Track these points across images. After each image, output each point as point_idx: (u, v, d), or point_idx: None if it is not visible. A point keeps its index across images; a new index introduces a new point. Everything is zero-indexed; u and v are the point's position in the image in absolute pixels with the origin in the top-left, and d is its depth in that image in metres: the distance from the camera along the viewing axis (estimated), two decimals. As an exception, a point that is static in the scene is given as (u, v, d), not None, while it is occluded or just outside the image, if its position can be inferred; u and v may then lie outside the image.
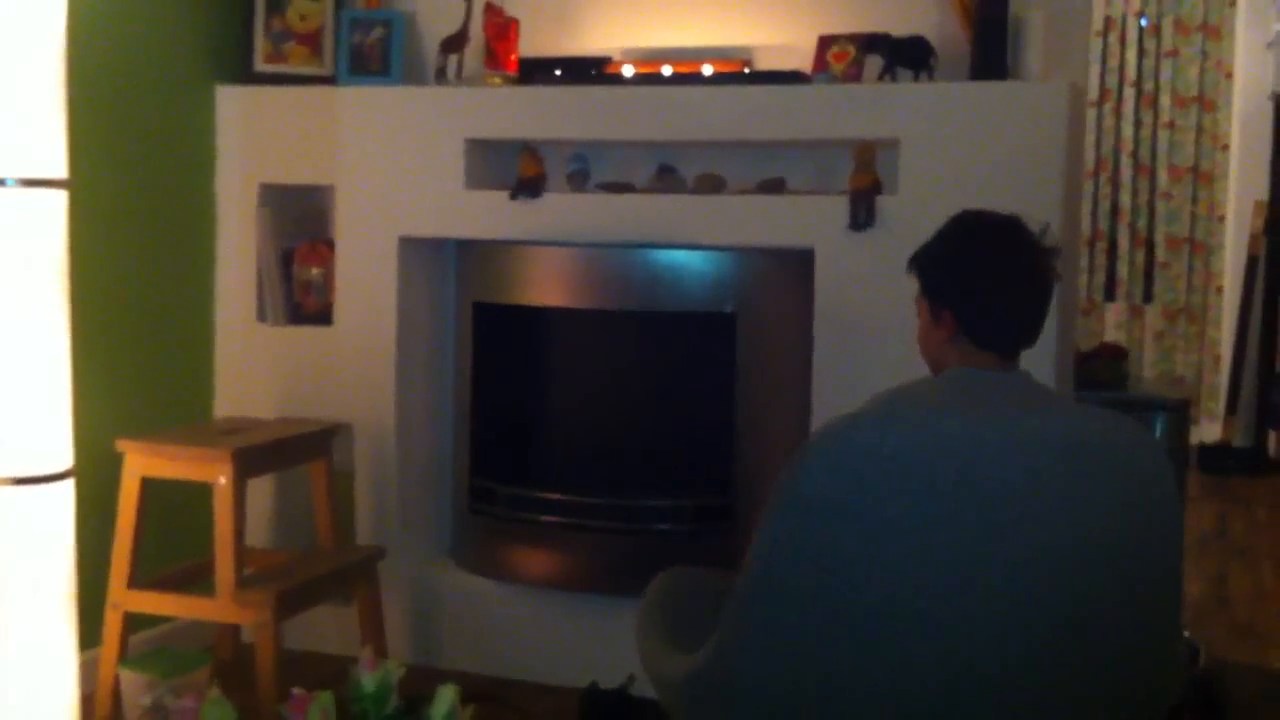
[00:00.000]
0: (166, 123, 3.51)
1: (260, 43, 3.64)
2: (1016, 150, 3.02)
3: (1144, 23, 7.08)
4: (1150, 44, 7.08)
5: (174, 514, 3.34)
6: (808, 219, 3.17)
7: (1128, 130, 7.12)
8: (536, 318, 3.46)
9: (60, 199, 2.78)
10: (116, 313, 3.34)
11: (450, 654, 3.50)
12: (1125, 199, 7.13)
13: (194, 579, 3.28)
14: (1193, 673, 3.04)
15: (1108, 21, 7.05)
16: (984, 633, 1.79)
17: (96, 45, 3.18)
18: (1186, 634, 3.10)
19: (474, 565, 3.53)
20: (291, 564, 3.32)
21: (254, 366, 3.65)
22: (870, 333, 3.09)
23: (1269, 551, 5.03)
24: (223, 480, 3.04)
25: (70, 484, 2.85)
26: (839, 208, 3.13)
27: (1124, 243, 7.14)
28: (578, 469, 3.45)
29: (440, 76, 3.54)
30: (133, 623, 3.17)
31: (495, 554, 3.49)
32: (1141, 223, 7.15)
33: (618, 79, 3.41)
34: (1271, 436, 6.66)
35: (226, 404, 3.68)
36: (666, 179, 3.37)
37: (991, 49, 3.13)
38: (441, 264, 3.65)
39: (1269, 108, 6.71)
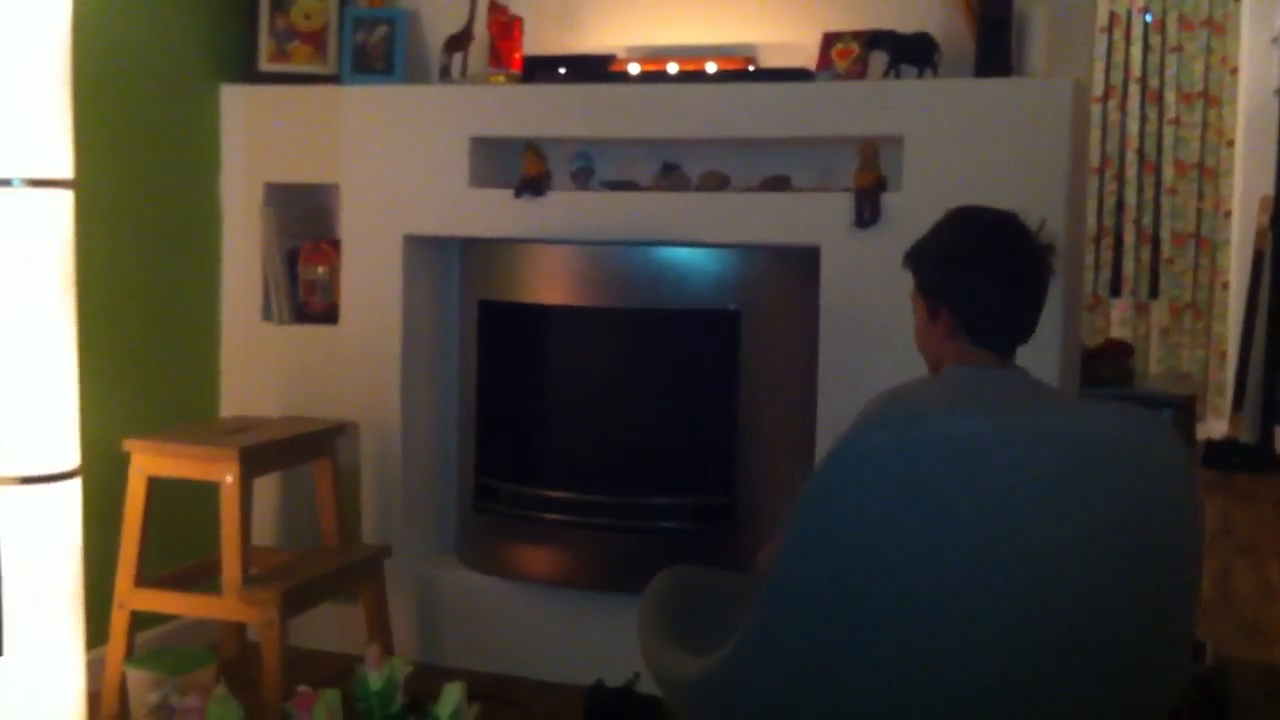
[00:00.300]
0: (171, 122, 3.52)
1: (264, 42, 3.64)
2: (1021, 147, 3.02)
3: (1148, 19, 7.07)
4: (1155, 40, 7.08)
5: (180, 513, 3.34)
6: (812, 216, 3.17)
7: (1133, 126, 7.11)
8: (541, 316, 3.46)
9: (66, 199, 2.79)
10: (122, 312, 3.35)
11: (455, 652, 3.50)
12: (1130, 195, 7.12)
13: (200, 577, 3.29)
14: (1198, 670, 3.04)
15: (1112, 17, 7.04)
16: (994, 631, 1.79)
17: (101, 45, 3.19)
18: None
19: (479, 563, 3.53)
20: (297, 562, 3.32)
21: (259, 365, 3.66)
22: (875, 330, 3.09)
23: (1274, 548, 5.02)
24: (229, 479, 3.05)
25: (77, 483, 2.86)
26: (843, 205, 3.13)
27: (1129, 239, 7.13)
28: (582, 467, 3.46)
29: (444, 75, 3.55)
30: (139, 621, 3.17)
31: (500, 552, 3.49)
32: (1147, 219, 7.14)
33: (621, 77, 3.41)
34: (1277, 432, 6.65)
35: (232, 403, 3.68)
36: (671, 177, 3.37)
37: (996, 45, 3.13)
38: (446, 262, 3.66)
39: (1274, 103, 6.70)
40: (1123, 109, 7.11)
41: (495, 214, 3.41)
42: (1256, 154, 6.84)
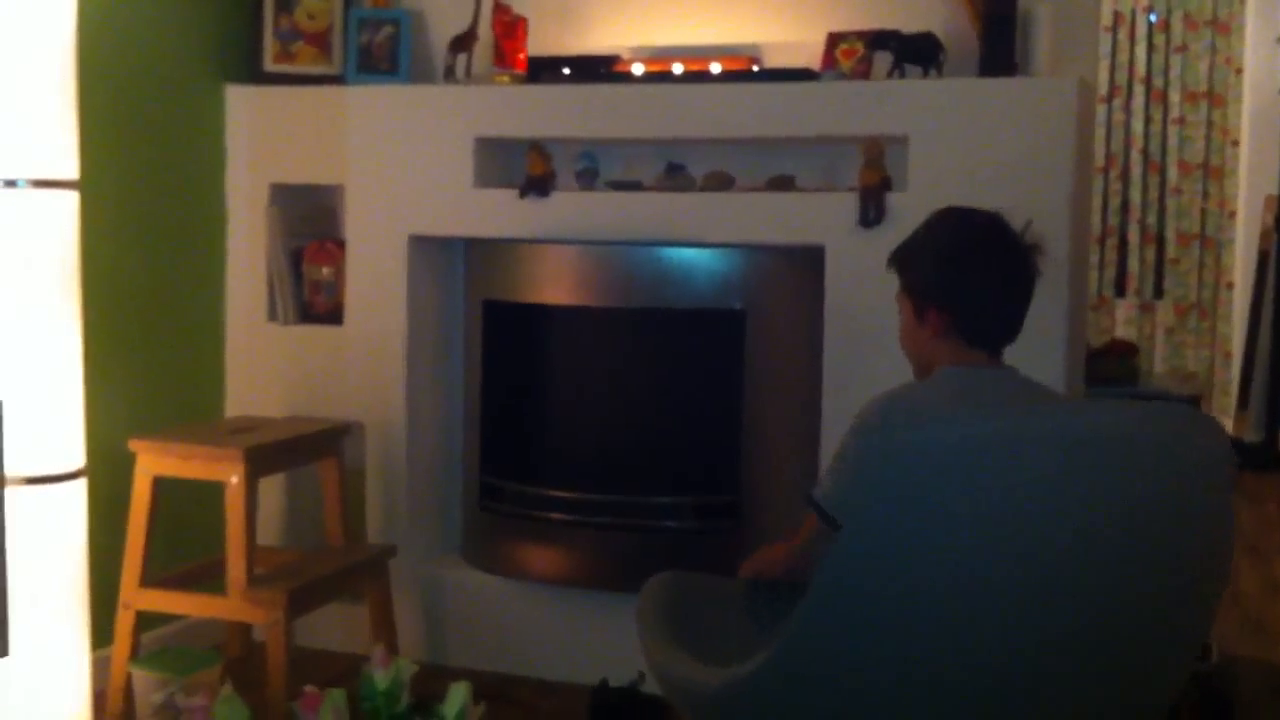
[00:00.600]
0: (176, 123, 3.52)
1: (269, 42, 3.65)
2: (1026, 146, 3.02)
3: (1153, 18, 7.07)
4: (1159, 39, 7.07)
5: (185, 513, 3.35)
6: (817, 216, 3.17)
7: (1137, 126, 7.10)
8: (545, 316, 3.47)
9: (71, 200, 2.79)
10: (127, 313, 3.35)
11: (460, 651, 3.50)
12: (1135, 195, 7.12)
13: (205, 577, 3.29)
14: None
15: (1116, 17, 7.04)
16: (1030, 628, 1.80)
17: (105, 46, 3.19)
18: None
19: (484, 563, 3.54)
20: (302, 562, 3.32)
21: (264, 366, 3.66)
22: (880, 329, 3.07)
23: (1279, 547, 5.02)
24: (234, 479, 3.05)
25: (82, 483, 2.86)
26: (848, 204, 3.13)
27: (1134, 239, 7.12)
28: (586, 466, 3.46)
29: (449, 75, 3.55)
30: (144, 621, 3.18)
31: (505, 551, 3.49)
32: (1151, 219, 7.13)
33: (626, 77, 3.42)
34: (1283, 432, 6.65)
35: (237, 403, 3.69)
36: (675, 177, 3.37)
37: (1000, 45, 3.13)
38: (451, 263, 3.66)
39: (1279, 103, 6.69)
40: (1127, 109, 7.11)
41: (500, 214, 3.41)
42: (1261, 154, 6.83)
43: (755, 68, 3.38)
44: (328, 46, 3.67)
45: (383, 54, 3.62)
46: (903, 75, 3.20)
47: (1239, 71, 6.97)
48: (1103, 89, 6.91)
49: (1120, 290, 7.17)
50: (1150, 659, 1.95)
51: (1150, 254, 7.14)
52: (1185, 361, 7.08)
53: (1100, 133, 6.86)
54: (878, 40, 3.22)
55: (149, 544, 3.14)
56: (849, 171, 3.20)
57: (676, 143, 3.38)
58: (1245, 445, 6.56)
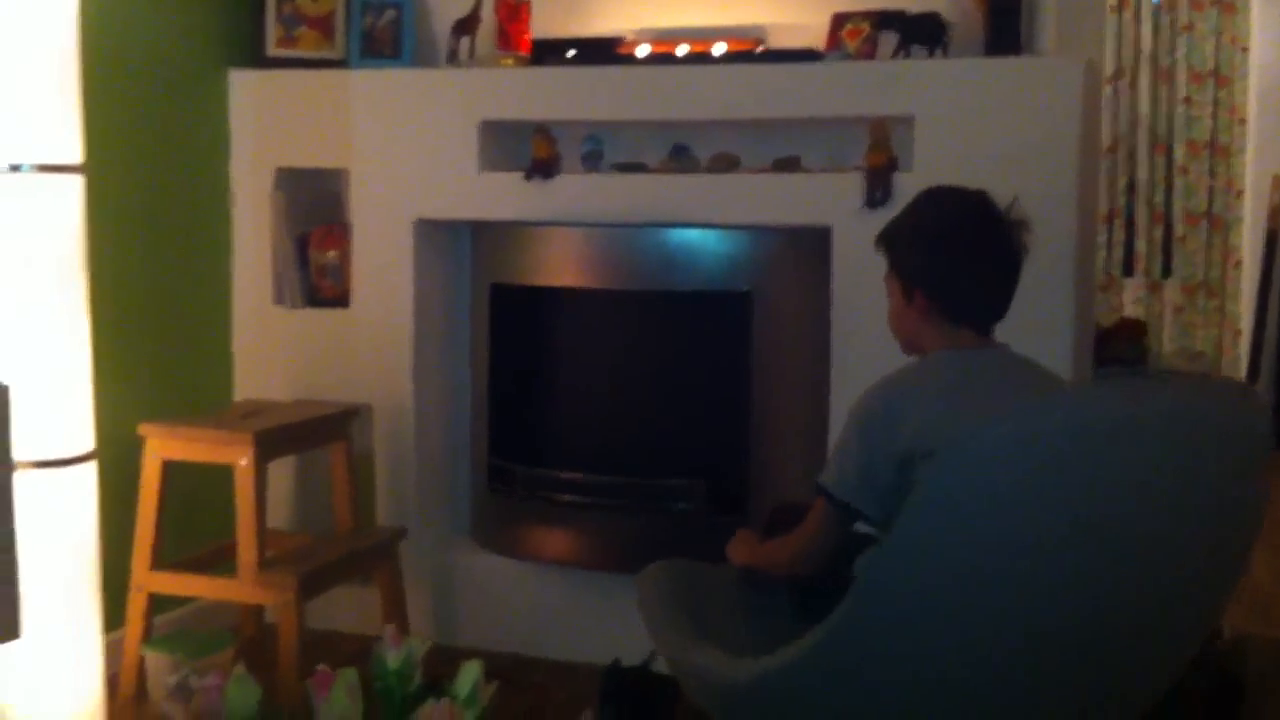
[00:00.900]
0: (180, 108, 3.52)
1: (272, 27, 3.64)
2: (1032, 126, 3.01)
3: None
4: (1165, 19, 7.04)
5: (195, 497, 3.36)
6: (823, 197, 3.17)
7: (1144, 106, 7.08)
8: (552, 298, 3.47)
9: (76, 184, 2.80)
10: (134, 298, 3.36)
11: (470, 633, 3.52)
12: (1142, 175, 7.10)
13: (216, 561, 3.31)
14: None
15: (1122, -4, 7.01)
16: (1062, 617, 1.79)
17: (110, 31, 3.19)
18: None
19: (493, 545, 3.55)
20: (313, 545, 3.34)
21: (272, 350, 3.67)
22: (886, 310, 3.07)
23: (1289, 526, 5.01)
24: (243, 462, 3.06)
25: (92, 467, 2.87)
26: (854, 185, 3.13)
27: (1142, 218, 7.11)
28: (595, 449, 3.46)
29: (452, 59, 3.55)
30: (156, 604, 3.19)
31: (514, 533, 3.50)
32: (1159, 198, 7.11)
33: (630, 59, 3.41)
34: (1291, 411, 6.64)
35: (245, 387, 3.70)
36: (681, 159, 3.37)
37: (1006, 25, 3.12)
38: (457, 246, 3.66)
39: (1286, 81, 6.67)
40: (1133, 89, 7.08)
41: (505, 197, 3.41)
42: (1268, 132, 6.81)
43: (760, 49, 3.38)
44: (331, 31, 3.66)
45: (386, 38, 3.62)
46: (908, 55, 3.19)
47: (1245, 50, 6.95)
48: (1108, 69, 6.89)
49: (1128, 270, 7.15)
50: (1180, 639, 1.96)
51: (1158, 234, 7.12)
52: (1193, 341, 7.07)
53: (1107, 113, 6.84)
54: (883, 20, 3.21)
55: (160, 528, 3.15)
56: (855, 152, 3.19)
57: (682, 124, 3.37)
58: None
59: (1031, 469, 1.71)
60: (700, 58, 3.34)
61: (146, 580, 3.14)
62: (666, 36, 3.48)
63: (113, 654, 3.05)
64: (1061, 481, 1.71)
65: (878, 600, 1.81)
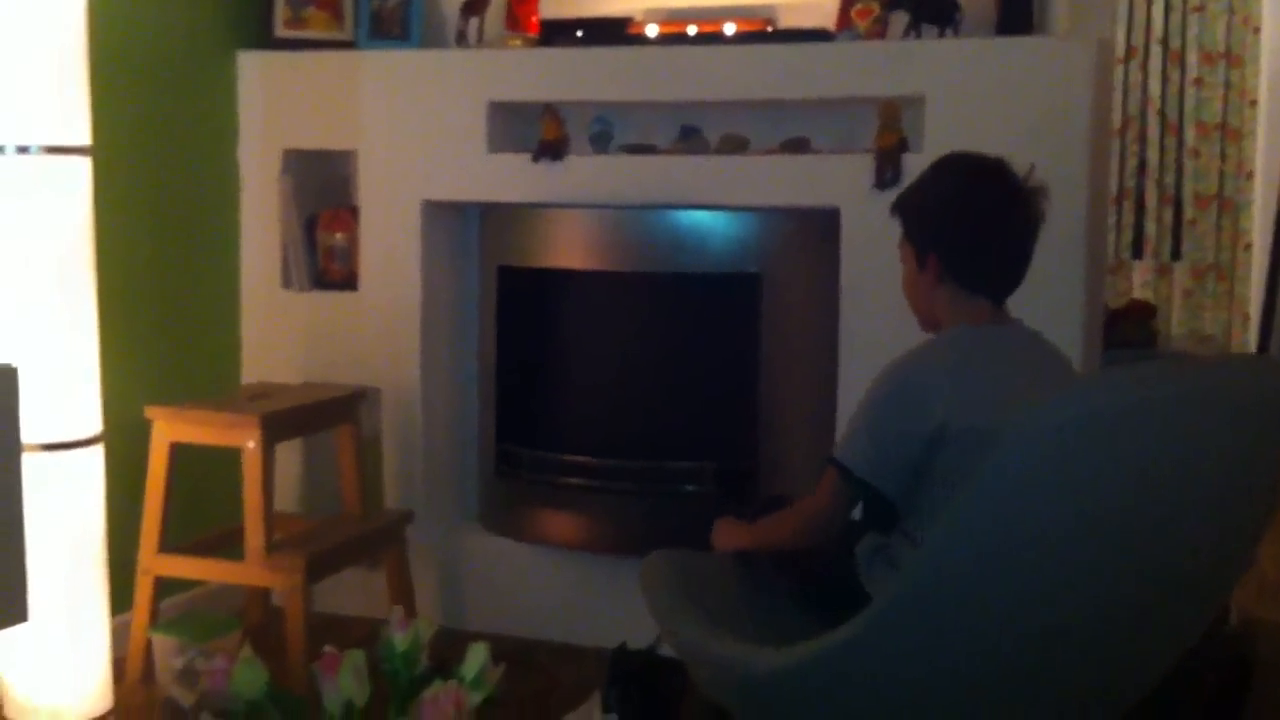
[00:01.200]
0: (188, 90, 3.51)
1: (280, 8, 3.62)
2: (1043, 107, 2.99)
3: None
4: (1176, 0, 7.00)
5: (203, 480, 3.36)
6: (833, 178, 3.15)
7: (1154, 87, 7.04)
8: (560, 281, 3.46)
9: (83, 166, 2.79)
10: (142, 280, 3.35)
11: (477, 616, 3.51)
12: (1153, 156, 7.06)
13: (223, 544, 3.30)
14: (1222, 631, 3.03)
15: (1134, -23, 6.97)
16: (1116, 595, 1.79)
17: (117, 13, 3.18)
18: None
19: (500, 528, 3.54)
20: (320, 529, 3.34)
21: (280, 333, 3.66)
22: (896, 291, 3.03)
23: (1298, 510, 5.00)
24: (251, 445, 3.05)
25: (99, 449, 2.87)
26: (864, 166, 3.11)
27: (1151, 200, 7.07)
28: (602, 431, 3.45)
29: (461, 40, 3.53)
30: (163, 587, 3.19)
31: (521, 517, 3.50)
32: (1169, 180, 7.08)
33: (640, 40, 3.39)
34: (1300, 394, 6.60)
35: (252, 370, 3.69)
36: (690, 140, 3.35)
37: (1017, 4, 3.10)
38: (465, 228, 3.65)
39: (1298, 63, 6.63)
40: (1144, 69, 7.04)
41: (513, 179, 3.40)
42: (1279, 114, 6.77)
43: (770, 29, 3.35)
44: (339, 12, 3.64)
45: (394, 19, 3.60)
46: (919, 35, 3.17)
47: (1257, 31, 6.90)
48: (1120, 50, 6.85)
49: (1137, 252, 7.12)
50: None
51: (1168, 216, 7.09)
52: (1202, 324, 7.04)
53: (1117, 94, 6.80)
54: (894, 0, 3.19)
55: (167, 511, 3.15)
56: (865, 133, 3.17)
57: (691, 105, 3.35)
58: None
59: (1098, 448, 1.67)
60: (710, 38, 3.32)
61: (153, 563, 3.14)
62: (676, 16, 3.46)
63: (119, 637, 3.05)
64: (1127, 459, 1.69)
65: (937, 580, 1.77)
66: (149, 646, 3.12)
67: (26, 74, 2.66)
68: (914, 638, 1.80)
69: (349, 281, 3.61)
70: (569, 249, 3.39)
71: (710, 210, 3.25)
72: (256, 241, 3.67)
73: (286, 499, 3.62)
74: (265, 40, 3.63)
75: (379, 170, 3.53)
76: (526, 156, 3.38)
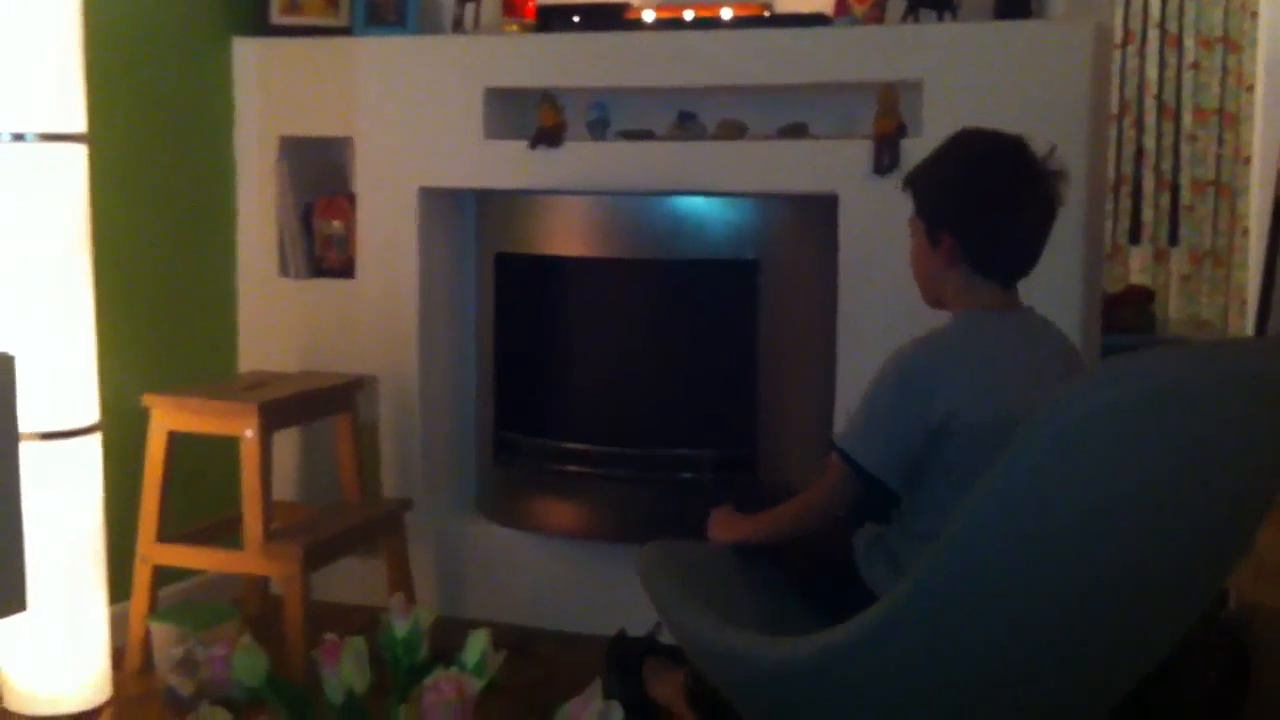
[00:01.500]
0: (184, 76, 3.49)
1: (276, -6, 3.61)
2: (1041, 91, 2.98)
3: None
4: (1174, -17, 6.99)
5: (201, 468, 3.35)
6: (831, 164, 3.14)
7: (1152, 72, 7.03)
8: (558, 268, 3.45)
9: (79, 153, 2.78)
10: (138, 268, 3.34)
11: (477, 604, 3.51)
12: (1150, 142, 7.05)
13: (222, 533, 3.30)
14: (1221, 616, 3.04)
15: (1131, -39, 6.95)
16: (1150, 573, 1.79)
17: (113, 0, 3.17)
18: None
19: (499, 516, 3.54)
20: (318, 517, 3.33)
21: (277, 321, 3.65)
22: (895, 277, 3.05)
23: (1296, 495, 5.00)
24: (249, 433, 3.05)
25: (97, 438, 2.87)
26: (862, 152, 3.11)
27: (1149, 186, 7.07)
28: (601, 419, 3.45)
29: (457, 26, 3.52)
30: (161, 576, 3.18)
31: (520, 505, 3.49)
32: (1166, 165, 7.07)
33: (637, 25, 3.38)
34: (1298, 380, 6.60)
35: (250, 358, 3.68)
36: (687, 126, 3.34)
37: (1016, -12, 3.09)
38: (462, 215, 3.64)
39: (1296, 47, 6.62)
40: (1141, 55, 7.03)
41: (511, 165, 3.39)
42: (1277, 99, 6.75)
43: (767, 14, 3.34)
44: (335, -2, 3.63)
45: (390, 5, 3.59)
46: (917, 20, 3.16)
47: (1254, 16, 6.89)
48: (1118, 34, 6.84)
49: (1135, 238, 7.12)
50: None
51: (1165, 201, 7.08)
52: (1200, 309, 7.04)
53: (1115, 79, 6.79)
54: (891, -15, 3.18)
55: (165, 499, 3.15)
56: (863, 118, 3.17)
57: (688, 91, 3.34)
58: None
59: (1121, 438, 1.66)
60: (707, 23, 3.31)
61: (152, 552, 3.13)
62: (673, 2, 3.44)
63: (118, 626, 3.05)
64: (1150, 447, 1.68)
65: (958, 573, 1.75)
66: (148, 635, 3.12)
67: (22, 61, 2.65)
68: (935, 628, 1.78)
69: (346, 269, 3.61)
70: (566, 236, 3.38)
71: (708, 196, 3.24)
72: (253, 229, 3.66)
73: (285, 487, 3.61)
74: (261, 27, 3.62)
75: (376, 157, 3.52)
76: (524, 143, 3.37)
